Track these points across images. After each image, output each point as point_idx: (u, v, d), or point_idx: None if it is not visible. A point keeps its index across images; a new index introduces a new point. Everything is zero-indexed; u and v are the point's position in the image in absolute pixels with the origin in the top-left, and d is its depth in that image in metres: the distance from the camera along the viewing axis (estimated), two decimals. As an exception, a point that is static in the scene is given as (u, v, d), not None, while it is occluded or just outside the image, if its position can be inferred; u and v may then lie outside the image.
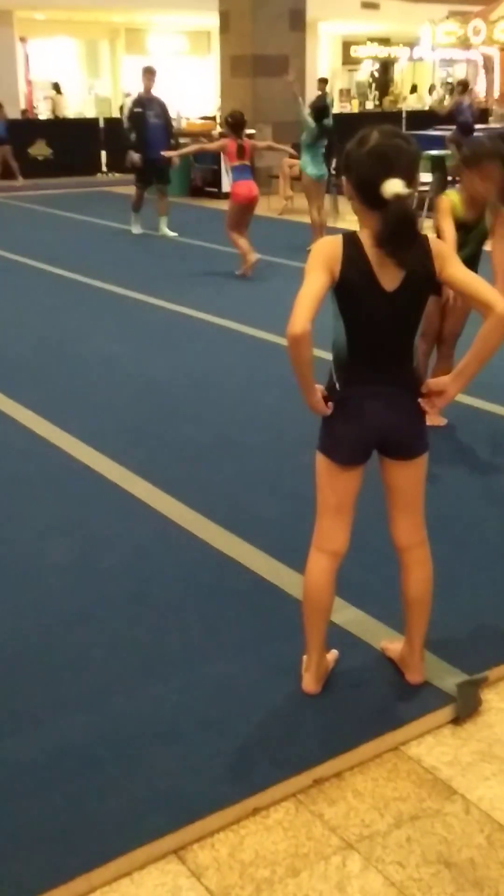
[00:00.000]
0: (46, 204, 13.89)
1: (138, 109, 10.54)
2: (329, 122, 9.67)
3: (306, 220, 10.03)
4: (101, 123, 18.39)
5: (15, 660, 2.80)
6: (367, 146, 2.21)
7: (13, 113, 19.14)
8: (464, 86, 16.13)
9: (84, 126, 18.91)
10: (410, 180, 2.19)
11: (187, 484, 4.03)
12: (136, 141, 10.50)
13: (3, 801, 2.23)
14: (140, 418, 4.92)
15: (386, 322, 2.29)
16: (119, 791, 2.26)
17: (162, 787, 2.27)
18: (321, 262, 2.25)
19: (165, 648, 2.85)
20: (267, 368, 5.72)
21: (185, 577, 3.28)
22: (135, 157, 10.55)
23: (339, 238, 2.28)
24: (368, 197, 2.21)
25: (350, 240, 2.27)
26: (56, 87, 19.74)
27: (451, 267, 2.28)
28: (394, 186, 2.15)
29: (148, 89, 10.62)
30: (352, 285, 2.26)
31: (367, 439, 2.41)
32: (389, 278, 2.25)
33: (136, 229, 10.95)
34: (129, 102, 10.57)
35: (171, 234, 10.80)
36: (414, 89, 27.83)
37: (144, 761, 2.36)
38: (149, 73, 10.66)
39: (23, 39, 22.02)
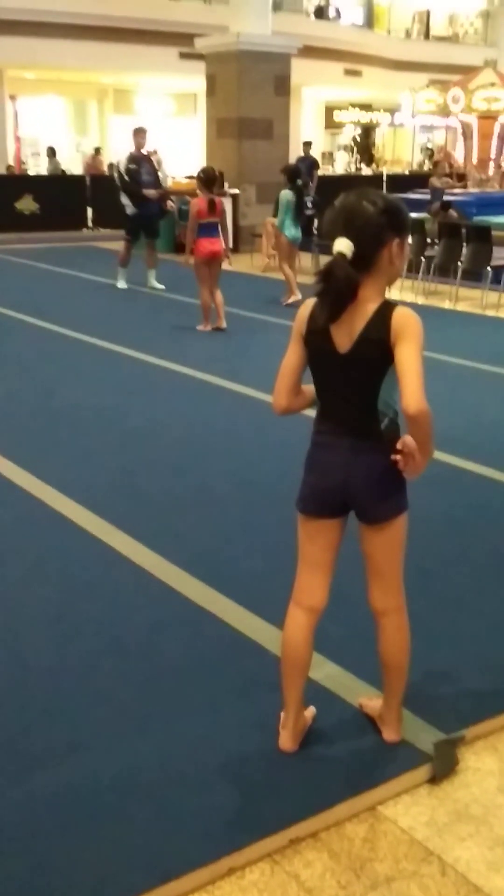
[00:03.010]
0: (32, 258, 14.01)
1: (133, 166, 10.83)
2: (300, 182, 10.07)
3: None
4: (88, 180, 18.69)
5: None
6: (333, 206, 2.31)
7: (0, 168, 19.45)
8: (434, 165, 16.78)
9: (71, 182, 19.19)
10: (360, 241, 2.24)
11: (167, 536, 4.03)
12: (129, 196, 10.80)
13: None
14: (120, 470, 4.92)
15: (340, 381, 2.34)
16: (91, 848, 2.22)
17: (136, 845, 2.23)
18: (295, 331, 2.40)
19: (142, 702, 2.82)
20: (246, 421, 5.76)
21: (163, 631, 3.26)
22: (128, 206, 10.80)
23: (308, 302, 2.38)
24: (330, 253, 2.29)
25: (315, 303, 2.35)
26: (51, 152, 20.02)
27: (402, 345, 2.23)
28: (338, 244, 2.24)
29: (139, 147, 10.91)
30: (312, 346, 2.37)
31: (331, 492, 2.43)
32: (344, 340, 2.30)
33: (122, 284, 11.08)
34: (123, 161, 10.95)
35: (160, 286, 10.95)
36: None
37: (119, 817, 2.33)
38: (140, 132, 10.96)
39: (12, 97, 22.42)
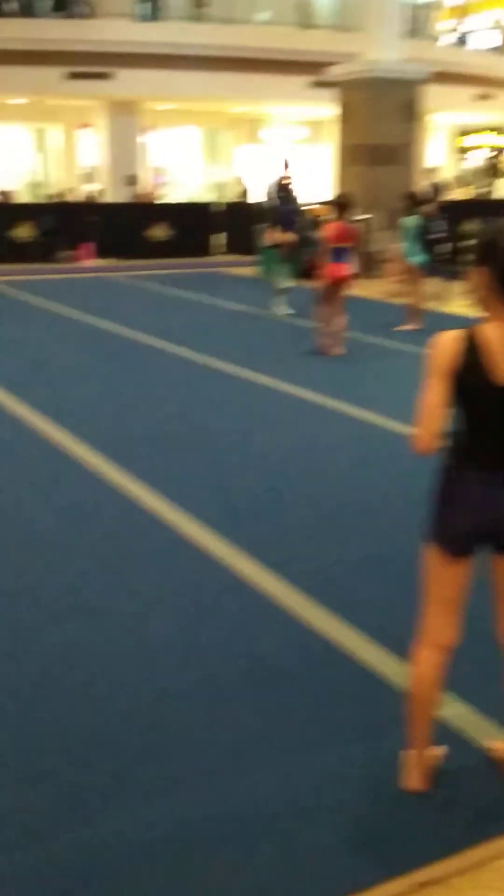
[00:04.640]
0: (163, 283, 14.37)
1: (280, 194, 11.19)
2: (427, 208, 10.07)
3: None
4: (219, 208, 19.11)
5: (113, 734, 2.81)
6: (486, 232, 2.22)
7: (130, 196, 20.04)
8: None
9: (200, 210, 19.63)
10: None
11: (292, 563, 4.02)
12: (271, 224, 11.14)
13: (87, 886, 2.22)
14: (246, 495, 4.96)
15: (497, 415, 2.25)
16: (211, 885, 2.22)
17: (256, 881, 2.22)
18: (438, 366, 2.27)
19: (269, 732, 2.81)
20: (372, 449, 5.71)
21: (289, 659, 3.24)
22: (281, 235, 11.06)
23: (456, 336, 2.27)
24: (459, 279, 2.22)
25: (468, 337, 2.25)
26: (131, 180, 20.51)
27: None
28: None
29: (284, 177, 11.25)
30: (467, 383, 2.24)
31: (481, 529, 2.36)
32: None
33: (280, 310, 11.22)
34: (270, 191, 11.40)
35: (288, 311, 11.07)
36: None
37: (241, 849, 2.32)
38: (285, 162, 11.33)
39: (147, 128, 23.11)
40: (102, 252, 17.46)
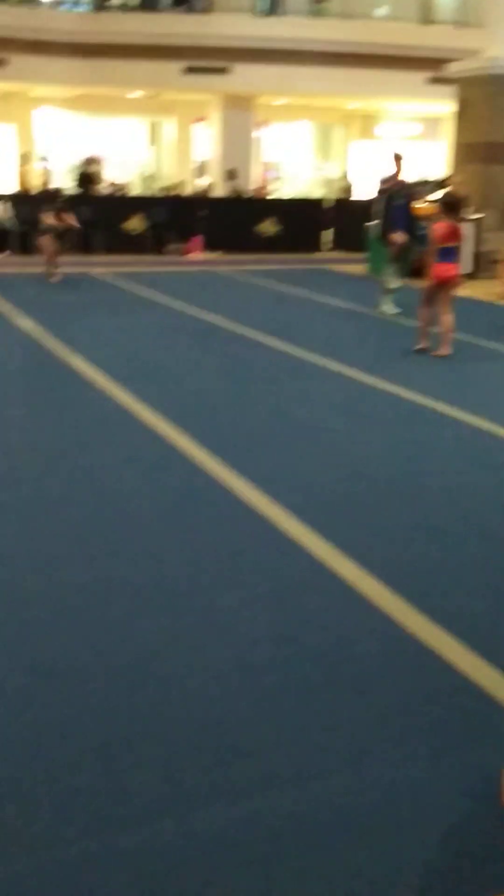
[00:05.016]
0: (270, 278, 14.40)
1: (392, 191, 11.03)
2: None
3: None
4: (328, 204, 19.05)
5: (207, 728, 2.82)
6: None
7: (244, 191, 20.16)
8: None
9: (310, 206, 19.61)
10: None
11: (394, 567, 3.96)
12: (383, 222, 11.00)
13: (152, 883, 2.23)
14: (349, 496, 4.91)
15: None
16: (303, 890, 2.20)
17: (348, 888, 2.19)
18: None
19: (363, 737, 2.77)
20: (478, 454, 5.59)
21: (384, 663, 3.20)
22: (392, 234, 10.92)
23: None
24: None
25: None
26: (231, 175, 20.44)
27: None
28: None
29: (398, 173, 11.06)
30: None
31: None
32: None
33: (389, 309, 11.12)
34: (383, 185, 11.20)
35: (394, 311, 10.94)
36: None
37: (332, 858, 2.29)
38: (398, 158, 11.10)
39: (261, 123, 23.19)
40: (211, 245, 17.63)
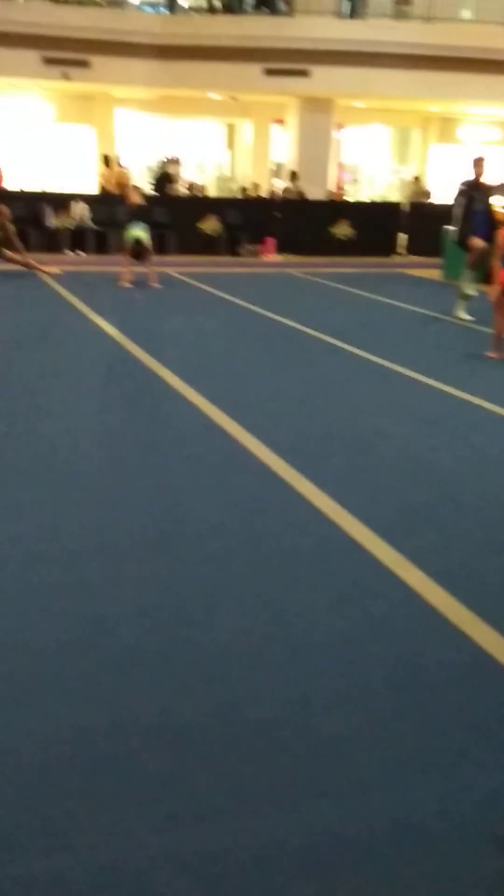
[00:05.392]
0: (343, 282, 14.34)
1: (466, 194, 10.90)
2: None
3: None
4: (404, 208, 18.92)
5: (263, 734, 2.81)
6: None
7: (319, 194, 20.11)
8: None
9: (386, 209, 19.48)
10: None
11: (462, 577, 3.91)
12: (462, 226, 10.89)
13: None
14: (418, 503, 4.85)
15: None
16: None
17: (411, 900, 2.16)
18: None
19: (424, 747, 2.74)
20: None
21: (451, 675, 3.15)
22: (477, 242, 10.79)
23: None
24: None
25: None
26: (294, 175, 20.30)
27: None
28: None
29: (478, 177, 10.93)
30: None
31: None
32: None
33: (461, 315, 11.00)
34: (461, 190, 11.06)
35: (468, 317, 10.81)
36: None
37: (395, 867, 2.26)
38: (479, 162, 10.97)
39: (339, 125, 23.13)
40: (285, 248, 17.64)
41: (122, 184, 13.30)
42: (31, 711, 2.85)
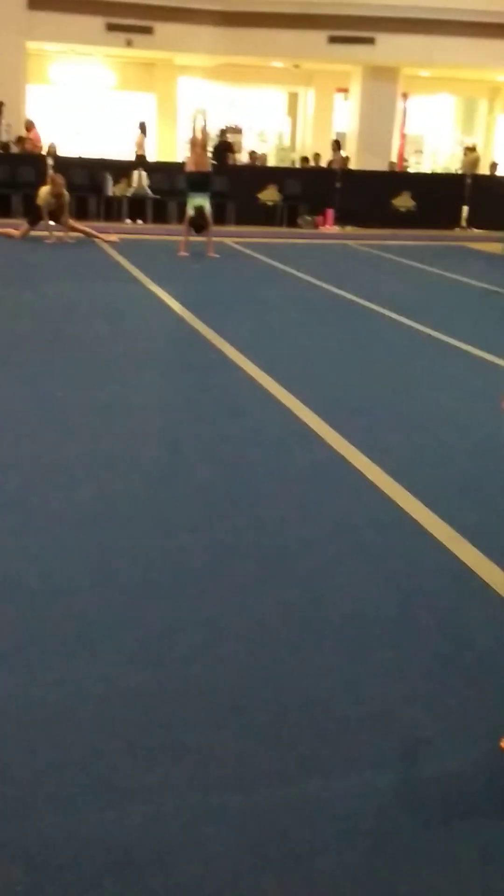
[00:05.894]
0: (405, 255, 14.15)
1: None
2: None
3: None
4: (468, 179, 18.55)
5: (321, 703, 2.82)
6: None
7: (382, 165, 19.81)
8: None
9: (449, 181, 19.14)
10: None
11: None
12: None
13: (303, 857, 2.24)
14: (473, 478, 4.79)
15: None
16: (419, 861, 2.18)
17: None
18: None
19: (469, 724, 2.72)
20: None
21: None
22: None
23: None
24: None
25: None
26: (336, 145, 19.78)
27: None
28: None
29: None
30: None
31: None
32: None
33: None
34: None
35: None
36: None
37: (436, 840, 2.26)
38: None
39: (405, 95, 22.72)
40: (345, 219, 17.45)
41: (203, 145, 13.05)
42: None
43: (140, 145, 18.68)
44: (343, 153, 19.61)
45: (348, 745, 2.61)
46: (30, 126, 18.64)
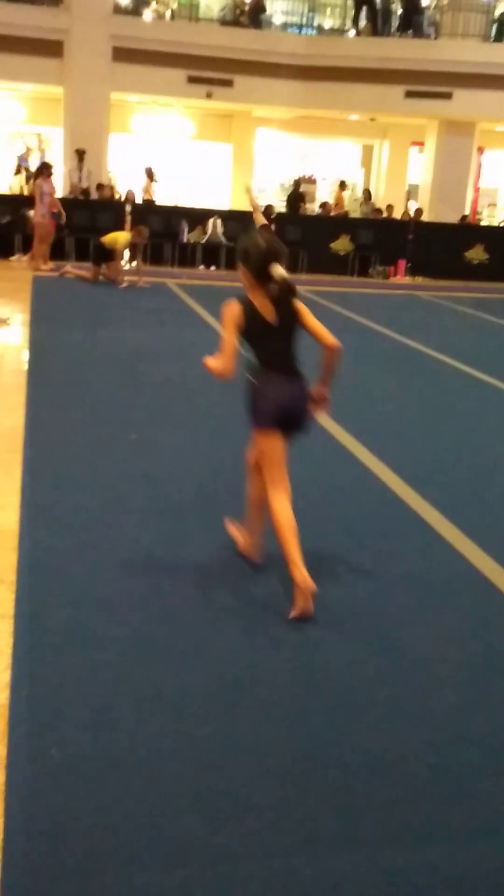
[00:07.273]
0: (476, 307, 14.07)
1: None
2: None
3: None
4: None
5: (403, 778, 2.74)
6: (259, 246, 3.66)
7: (455, 217, 19.81)
8: None
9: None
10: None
11: None
12: None
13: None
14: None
15: (274, 339, 3.84)
16: None
17: None
18: (230, 321, 3.70)
19: None
20: None
21: None
22: None
23: (236, 301, 3.70)
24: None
25: (244, 301, 3.72)
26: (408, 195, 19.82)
27: (304, 316, 3.98)
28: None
29: None
30: (252, 325, 3.72)
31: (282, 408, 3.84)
32: (270, 317, 3.76)
33: None
34: None
35: None
36: None
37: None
38: None
39: (480, 149, 22.77)
40: (417, 270, 17.47)
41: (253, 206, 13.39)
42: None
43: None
44: (415, 203, 19.67)
45: (422, 814, 2.53)
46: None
